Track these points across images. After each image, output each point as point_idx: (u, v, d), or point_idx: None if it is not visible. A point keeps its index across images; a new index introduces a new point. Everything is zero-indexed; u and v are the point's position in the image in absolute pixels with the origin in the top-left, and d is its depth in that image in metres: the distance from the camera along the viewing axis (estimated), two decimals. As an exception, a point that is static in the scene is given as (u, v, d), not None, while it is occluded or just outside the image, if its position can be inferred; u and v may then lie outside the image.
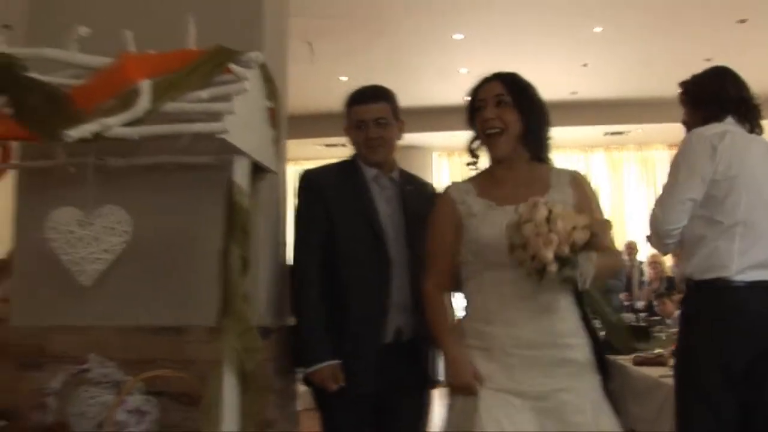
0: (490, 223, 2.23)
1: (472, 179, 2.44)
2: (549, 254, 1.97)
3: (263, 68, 2.20)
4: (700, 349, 2.67)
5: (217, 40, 2.13)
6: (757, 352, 2.60)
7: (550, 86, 2.28)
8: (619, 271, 7.22)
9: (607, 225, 2.34)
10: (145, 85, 1.92)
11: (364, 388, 2.60)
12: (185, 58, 2.03)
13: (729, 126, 2.74)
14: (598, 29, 7.70)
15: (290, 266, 2.74)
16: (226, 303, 1.97)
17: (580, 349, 2.25)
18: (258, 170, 2.20)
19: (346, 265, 2.65)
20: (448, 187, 2.46)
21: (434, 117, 9.28)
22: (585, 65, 8.87)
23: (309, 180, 2.79)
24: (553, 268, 1.99)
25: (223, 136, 1.92)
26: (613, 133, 11.45)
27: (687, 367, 2.73)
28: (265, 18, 2.61)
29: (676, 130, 3.02)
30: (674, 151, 2.86)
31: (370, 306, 2.62)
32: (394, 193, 2.79)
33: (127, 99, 1.91)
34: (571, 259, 2.01)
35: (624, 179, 12.18)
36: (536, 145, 2.37)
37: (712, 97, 2.81)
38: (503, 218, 2.17)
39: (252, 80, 2.06)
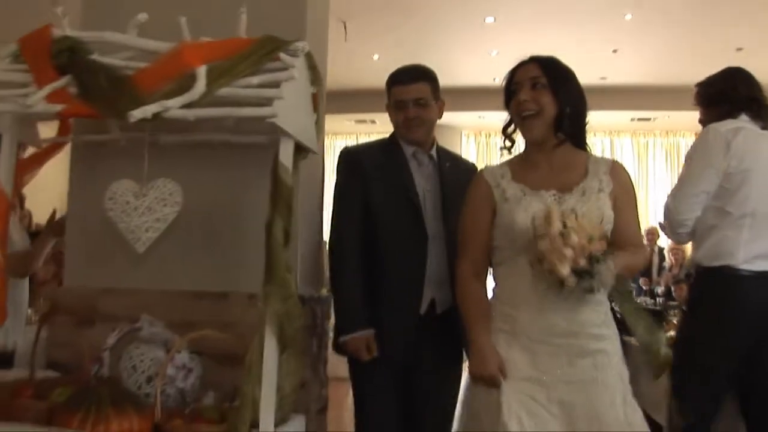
0: (524, 208, 2.17)
1: (507, 162, 2.37)
2: (564, 270, 1.95)
3: (308, 56, 2.27)
4: (703, 335, 2.75)
5: (264, 26, 2.23)
6: (757, 340, 2.68)
7: (579, 71, 2.30)
8: (644, 266, 7.22)
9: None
10: (201, 71, 2.04)
11: (396, 358, 2.66)
12: (237, 46, 2.14)
13: (743, 123, 2.82)
14: (628, 16, 7.70)
15: (329, 239, 2.79)
16: (270, 271, 2.05)
17: (609, 339, 2.19)
18: (299, 149, 2.25)
19: (384, 238, 2.70)
20: (483, 171, 2.38)
21: (464, 97, 9.21)
22: (615, 51, 8.85)
23: (348, 157, 2.85)
24: (571, 281, 1.97)
25: (272, 120, 2.00)
26: (640, 119, 11.39)
27: (688, 351, 2.77)
28: (307, 5, 2.70)
29: (704, 117, 3.09)
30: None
31: (406, 278, 2.67)
32: (433, 169, 2.82)
33: (185, 83, 2.04)
34: (589, 270, 1.97)
35: (650, 165, 12.14)
36: (572, 130, 2.28)
37: (723, 96, 2.89)
38: (537, 203, 2.16)
39: (298, 68, 2.14)
